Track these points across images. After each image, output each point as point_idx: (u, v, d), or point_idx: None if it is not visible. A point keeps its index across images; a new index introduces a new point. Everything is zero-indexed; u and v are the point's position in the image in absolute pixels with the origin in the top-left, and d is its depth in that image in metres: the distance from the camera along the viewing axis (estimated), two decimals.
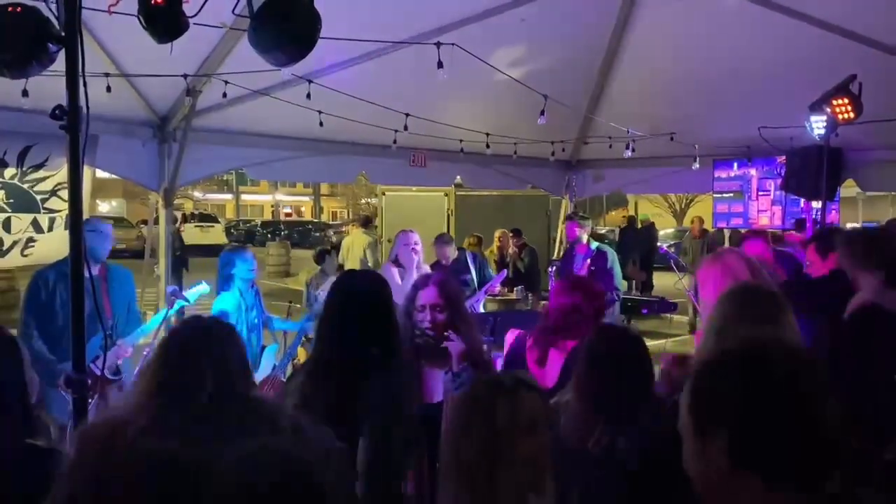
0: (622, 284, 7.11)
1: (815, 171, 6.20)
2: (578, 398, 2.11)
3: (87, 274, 2.45)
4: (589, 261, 6.55)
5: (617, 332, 2.42)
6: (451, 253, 6.98)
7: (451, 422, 1.71)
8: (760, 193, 8.38)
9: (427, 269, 5.90)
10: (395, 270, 5.68)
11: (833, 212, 6.62)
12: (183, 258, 12.46)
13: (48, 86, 3.01)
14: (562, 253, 9.83)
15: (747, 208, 8.52)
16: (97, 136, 5.42)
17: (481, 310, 6.59)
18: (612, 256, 6.67)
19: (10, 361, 2.01)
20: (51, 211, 5.82)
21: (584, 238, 6.79)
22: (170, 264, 6.82)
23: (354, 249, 11.15)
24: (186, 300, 4.64)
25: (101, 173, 6.73)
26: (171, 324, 5.50)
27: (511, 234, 10.95)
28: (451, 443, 1.67)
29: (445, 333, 2.85)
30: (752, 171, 8.35)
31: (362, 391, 2.33)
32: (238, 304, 4.80)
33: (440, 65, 4.97)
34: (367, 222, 11.95)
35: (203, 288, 4.79)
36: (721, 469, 1.15)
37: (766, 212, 8.40)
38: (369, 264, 10.71)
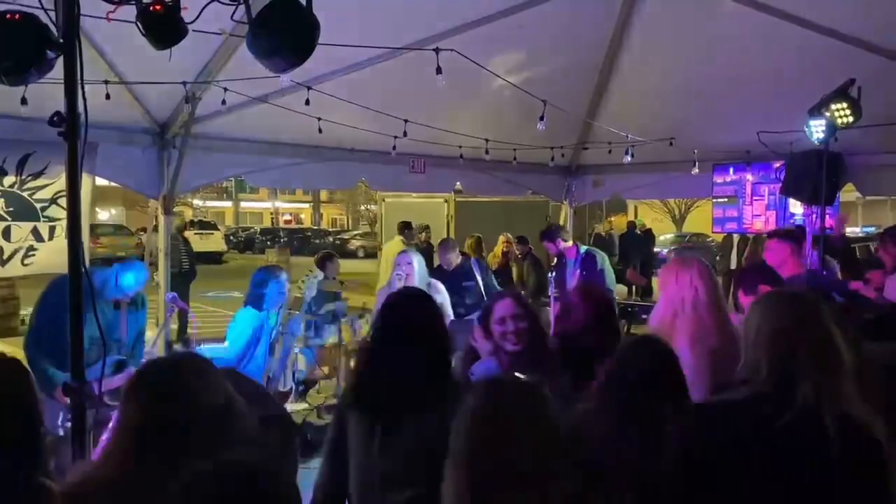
0: (614, 285, 7.06)
1: (815, 175, 6.20)
2: (606, 411, 2.07)
3: (86, 282, 2.44)
4: (579, 266, 6.58)
5: (647, 342, 2.40)
6: (454, 259, 6.94)
7: (492, 431, 1.63)
8: (755, 198, 8.40)
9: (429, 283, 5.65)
10: (385, 292, 5.61)
11: (828, 216, 6.54)
12: (192, 270, 11.06)
13: (47, 93, 3.01)
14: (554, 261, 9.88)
15: (742, 213, 8.55)
16: (96, 144, 5.43)
17: None
18: (601, 258, 6.70)
19: (20, 391, 1.96)
20: (51, 219, 5.81)
21: (569, 243, 6.82)
22: (168, 273, 6.78)
23: (388, 259, 11.13)
24: (185, 307, 4.65)
25: (100, 181, 6.72)
26: (171, 330, 5.49)
27: (515, 241, 10.98)
28: (493, 452, 1.59)
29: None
30: (749, 176, 8.38)
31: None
32: (261, 322, 4.83)
33: (439, 71, 4.96)
34: (404, 229, 11.41)
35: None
36: None
37: (760, 216, 8.43)
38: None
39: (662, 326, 3.21)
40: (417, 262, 5.32)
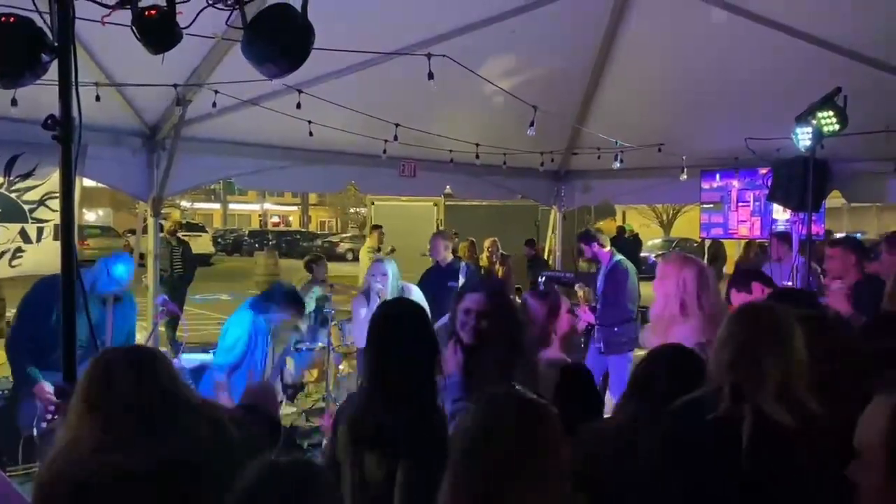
0: (634, 303, 6.42)
1: (801, 182, 6.25)
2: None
3: (78, 283, 2.44)
4: (605, 274, 6.44)
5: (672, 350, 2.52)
6: (443, 251, 6.90)
7: (464, 443, 1.64)
8: (740, 204, 8.47)
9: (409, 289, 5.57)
10: (360, 301, 5.58)
11: (814, 223, 6.55)
12: (186, 274, 10.87)
13: (37, 95, 3.00)
14: (555, 264, 9.95)
15: (727, 219, 8.62)
16: (86, 146, 5.40)
17: None
18: (625, 270, 6.42)
19: None
20: (39, 221, 5.78)
21: (606, 248, 6.55)
22: (157, 275, 6.74)
23: (364, 262, 11.15)
24: (177, 311, 4.63)
25: (88, 182, 6.69)
26: (160, 334, 5.44)
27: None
28: (463, 464, 1.61)
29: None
30: (734, 182, 8.44)
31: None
32: (254, 324, 4.82)
33: (431, 76, 4.98)
34: (373, 231, 11.51)
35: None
36: None
37: (745, 222, 8.50)
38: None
39: (664, 319, 3.36)
40: (392, 272, 5.35)
